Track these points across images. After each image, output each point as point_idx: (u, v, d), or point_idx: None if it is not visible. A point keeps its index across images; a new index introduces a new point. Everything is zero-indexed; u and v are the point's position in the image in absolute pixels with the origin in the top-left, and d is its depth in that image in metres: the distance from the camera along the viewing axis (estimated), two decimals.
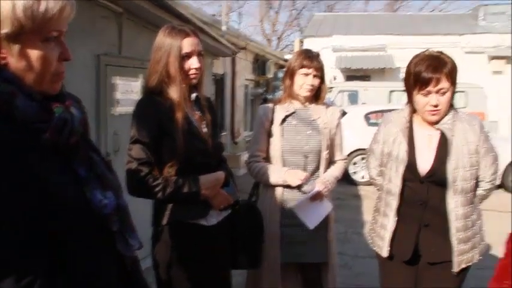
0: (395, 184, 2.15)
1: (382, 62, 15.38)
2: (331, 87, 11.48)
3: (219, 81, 9.47)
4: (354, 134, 7.79)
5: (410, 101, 2.16)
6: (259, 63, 12.78)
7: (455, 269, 2.09)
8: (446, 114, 2.10)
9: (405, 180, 2.14)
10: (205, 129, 2.01)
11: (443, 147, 2.10)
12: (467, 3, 40.40)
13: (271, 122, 2.56)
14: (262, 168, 2.54)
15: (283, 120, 2.56)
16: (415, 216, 2.13)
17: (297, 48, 15.33)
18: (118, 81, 3.82)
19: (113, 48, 3.85)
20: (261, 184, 2.62)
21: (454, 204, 2.07)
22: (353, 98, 11.70)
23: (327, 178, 2.54)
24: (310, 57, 2.51)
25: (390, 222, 2.17)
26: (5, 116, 0.92)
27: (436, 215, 2.10)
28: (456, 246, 2.08)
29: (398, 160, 2.14)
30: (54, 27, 0.97)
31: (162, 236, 1.94)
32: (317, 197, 2.48)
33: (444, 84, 2.02)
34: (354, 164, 8.61)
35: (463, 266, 2.11)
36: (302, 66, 2.50)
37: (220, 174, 2.02)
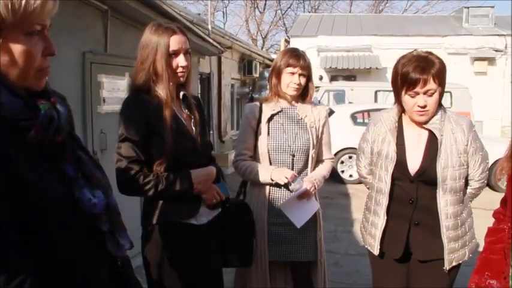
0: (385, 183, 2.16)
1: (368, 62, 15.49)
2: (318, 87, 11.53)
3: (205, 80, 9.45)
4: (341, 133, 7.85)
5: (398, 101, 2.15)
6: (245, 63, 12.79)
7: (446, 266, 2.10)
8: (435, 114, 2.10)
9: (395, 179, 2.14)
10: (193, 128, 2.00)
11: (432, 146, 2.10)
12: (451, 4, 40.92)
13: (258, 121, 2.55)
14: (249, 166, 2.52)
15: (270, 118, 2.54)
16: (405, 214, 2.13)
17: (283, 48, 15.36)
18: (104, 79, 3.78)
19: (98, 46, 3.81)
20: (249, 183, 2.61)
21: (444, 203, 2.08)
22: (340, 97, 11.77)
23: (314, 177, 2.54)
24: (297, 56, 2.49)
25: (380, 220, 2.18)
26: None
27: (426, 214, 2.11)
28: (447, 244, 2.09)
29: (388, 159, 2.14)
30: (36, 20, 0.94)
31: (152, 235, 1.92)
32: (304, 195, 2.46)
33: (431, 85, 2.00)
34: (342, 162, 8.68)
35: (454, 264, 2.11)
36: (288, 65, 2.48)
37: (211, 169, 2.01)
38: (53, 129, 0.98)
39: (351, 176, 8.67)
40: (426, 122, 2.11)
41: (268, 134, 2.53)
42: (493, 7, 17.13)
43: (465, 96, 10.75)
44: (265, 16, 28.42)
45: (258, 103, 2.62)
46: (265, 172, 2.48)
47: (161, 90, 1.88)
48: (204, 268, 1.98)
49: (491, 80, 15.34)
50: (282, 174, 2.44)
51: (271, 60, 13.31)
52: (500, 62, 15.47)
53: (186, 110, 2.02)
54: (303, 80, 2.50)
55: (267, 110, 2.56)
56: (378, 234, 2.19)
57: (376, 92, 11.34)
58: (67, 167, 1.03)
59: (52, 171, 1.00)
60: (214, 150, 8.70)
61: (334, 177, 8.26)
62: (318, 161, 2.66)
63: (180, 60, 1.91)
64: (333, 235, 5.26)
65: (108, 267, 1.10)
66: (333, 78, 15.14)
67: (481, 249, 1.77)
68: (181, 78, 1.95)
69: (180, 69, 1.92)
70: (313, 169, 2.60)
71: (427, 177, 2.09)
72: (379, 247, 2.20)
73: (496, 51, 15.48)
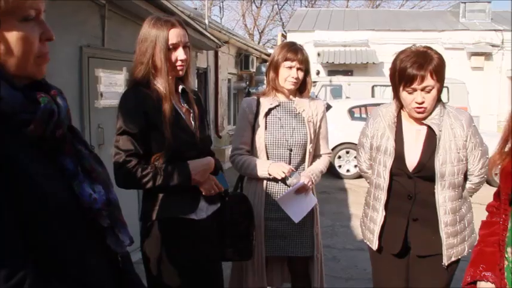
0: (383, 178, 2.15)
1: (365, 57, 15.49)
2: (315, 82, 11.52)
3: (202, 75, 9.42)
4: (338, 128, 7.86)
5: (396, 96, 2.14)
6: (242, 57, 12.75)
7: (445, 262, 2.10)
8: (434, 110, 2.09)
9: (393, 174, 2.13)
10: (192, 122, 1.99)
11: (431, 142, 2.09)
12: None
13: (256, 115, 2.53)
14: (246, 161, 2.51)
15: (268, 112, 2.52)
16: (404, 210, 2.13)
17: (279, 42, 15.32)
18: (101, 73, 3.76)
19: (96, 40, 3.79)
20: (246, 177, 2.61)
21: (443, 199, 2.07)
22: (337, 92, 11.76)
23: (311, 171, 2.53)
24: (295, 50, 2.47)
25: (379, 216, 2.18)
26: None
27: (425, 209, 2.10)
28: (445, 240, 2.08)
29: (386, 154, 2.14)
30: (30, 5, 0.90)
31: (152, 231, 1.91)
32: (302, 190, 2.45)
33: (429, 81, 1.98)
34: (339, 157, 8.69)
35: (453, 259, 2.11)
36: (286, 59, 2.46)
37: (209, 159, 2.00)
38: (53, 124, 0.96)
39: (348, 171, 8.69)
40: (425, 118, 2.09)
41: (266, 128, 2.51)
42: (489, 2, 17.16)
43: (462, 91, 10.76)
44: (262, 11, 28.48)
45: (255, 97, 2.60)
46: (263, 166, 2.46)
47: (160, 84, 1.87)
48: (203, 263, 1.97)
49: (488, 75, 15.37)
50: (280, 169, 2.43)
51: (268, 55, 13.31)
52: (497, 57, 15.51)
53: (185, 104, 2.01)
54: (300, 74, 2.49)
55: (265, 104, 2.54)
56: (377, 229, 2.19)
57: (373, 87, 11.34)
58: (67, 161, 1.01)
59: (51, 166, 0.98)
60: (211, 146, 8.70)
61: (332, 172, 8.29)
62: (315, 155, 2.65)
63: (179, 54, 1.90)
64: (330, 230, 5.27)
65: (108, 263, 1.08)
66: (330, 73, 15.13)
67: None
68: (181, 72, 1.94)
69: (179, 63, 1.91)
70: (311, 164, 2.59)
71: (425, 173, 2.08)
72: (377, 242, 2.20)
73: (493, 46, 15.52)
